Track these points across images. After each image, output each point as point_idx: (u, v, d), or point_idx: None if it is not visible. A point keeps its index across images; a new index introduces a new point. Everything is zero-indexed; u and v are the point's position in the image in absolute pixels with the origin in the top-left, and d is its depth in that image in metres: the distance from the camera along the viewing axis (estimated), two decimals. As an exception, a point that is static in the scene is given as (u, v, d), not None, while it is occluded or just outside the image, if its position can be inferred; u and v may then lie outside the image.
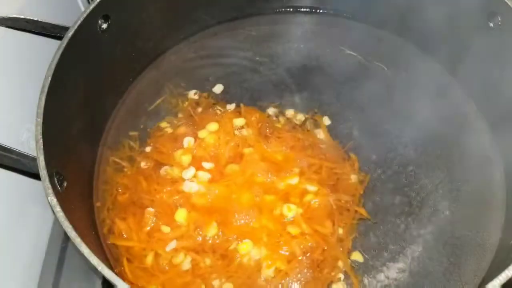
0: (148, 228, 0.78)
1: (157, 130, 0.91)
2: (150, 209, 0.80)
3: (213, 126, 0.88)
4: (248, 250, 0.75)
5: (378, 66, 1.00)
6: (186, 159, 0.84)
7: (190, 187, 0.81)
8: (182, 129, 0.89)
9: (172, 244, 0.76)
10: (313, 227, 0.77)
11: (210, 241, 0.76)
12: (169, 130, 0.90)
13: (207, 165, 0.84)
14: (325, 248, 0.76)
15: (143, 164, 0.85)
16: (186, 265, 0.75)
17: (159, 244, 0.77)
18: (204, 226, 0.77)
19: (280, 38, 1.05)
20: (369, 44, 1.03)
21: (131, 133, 0.91)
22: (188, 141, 0.86)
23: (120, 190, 0.83)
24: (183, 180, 0.82)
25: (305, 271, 0.74)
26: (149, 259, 0.75)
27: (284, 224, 0.78)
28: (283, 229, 0.77)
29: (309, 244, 0.76)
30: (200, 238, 0.77)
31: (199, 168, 0.83)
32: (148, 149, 0.88)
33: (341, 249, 0.77)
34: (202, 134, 0.87)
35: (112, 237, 0.79)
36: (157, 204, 0.80)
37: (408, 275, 0.76)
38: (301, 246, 0.75)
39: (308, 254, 0.75)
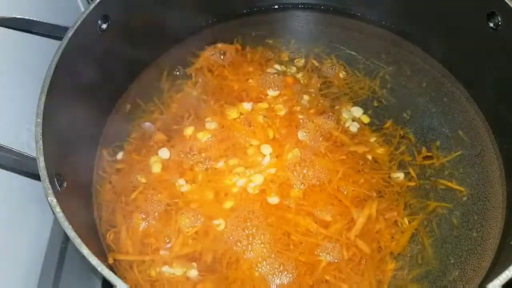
0: (141, 235, 0.78)
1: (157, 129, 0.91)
2: (142, 215, 0.80)
3: (211, 124, 0.89)
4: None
5: (379, 66, 1.00)
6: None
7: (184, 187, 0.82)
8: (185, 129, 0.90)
9: (165, 252, 0.76)
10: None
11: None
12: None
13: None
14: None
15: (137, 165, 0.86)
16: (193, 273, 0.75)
17: (155, 253, 0.77)
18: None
19: (280, 36, 1.05)
20: (370, 43, 1.03)
21: (130, 133, 0.91)
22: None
23: (114, 191, 0.84)
24: (176, 182, 0.83)
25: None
26: (152, 272, 0.75)
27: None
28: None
29: None
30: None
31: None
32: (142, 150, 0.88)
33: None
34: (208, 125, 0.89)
35: (112, 253, 0.78)
36: (149, 209, 0.80)
37: (407, 274, 0.76)
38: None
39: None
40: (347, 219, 0.79)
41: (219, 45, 1.03)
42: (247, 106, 0.91)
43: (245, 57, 1.02)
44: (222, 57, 1.01)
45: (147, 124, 0.92)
